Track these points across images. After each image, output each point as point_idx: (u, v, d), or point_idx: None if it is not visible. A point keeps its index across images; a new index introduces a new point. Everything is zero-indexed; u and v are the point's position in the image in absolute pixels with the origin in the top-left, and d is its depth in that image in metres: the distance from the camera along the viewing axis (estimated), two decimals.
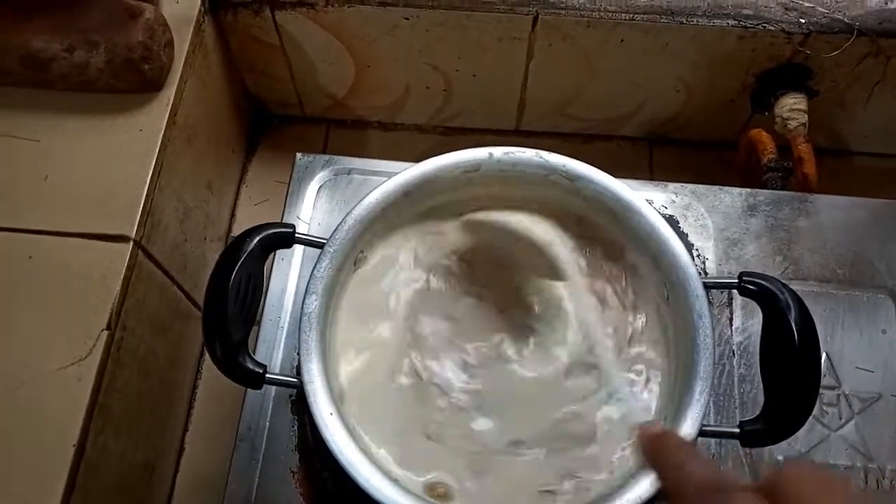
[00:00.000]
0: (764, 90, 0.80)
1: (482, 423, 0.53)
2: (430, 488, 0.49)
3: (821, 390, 0.62)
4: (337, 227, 0.51)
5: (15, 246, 0.62)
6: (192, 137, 0.74)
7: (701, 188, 0.70)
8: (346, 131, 0.94)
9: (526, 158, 0.53)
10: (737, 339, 0.63)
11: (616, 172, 0.56)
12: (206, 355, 0.83)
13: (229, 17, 0.78)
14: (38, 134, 0.67)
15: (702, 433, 0.46)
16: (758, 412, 0.49)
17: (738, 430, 0.46)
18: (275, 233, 0.49)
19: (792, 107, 0.78)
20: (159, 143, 0.67)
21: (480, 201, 0.58)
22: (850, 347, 0.64)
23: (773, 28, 0.74)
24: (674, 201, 0.69)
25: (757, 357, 0.57)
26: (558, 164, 0.53)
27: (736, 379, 0.62)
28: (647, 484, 0.44)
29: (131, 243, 0.63)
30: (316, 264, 0.50)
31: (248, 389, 0.61)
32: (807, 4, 0.75)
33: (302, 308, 0.49)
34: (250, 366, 0.47)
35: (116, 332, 0.61)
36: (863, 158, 0.92)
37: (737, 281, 0.49)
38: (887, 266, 0.67)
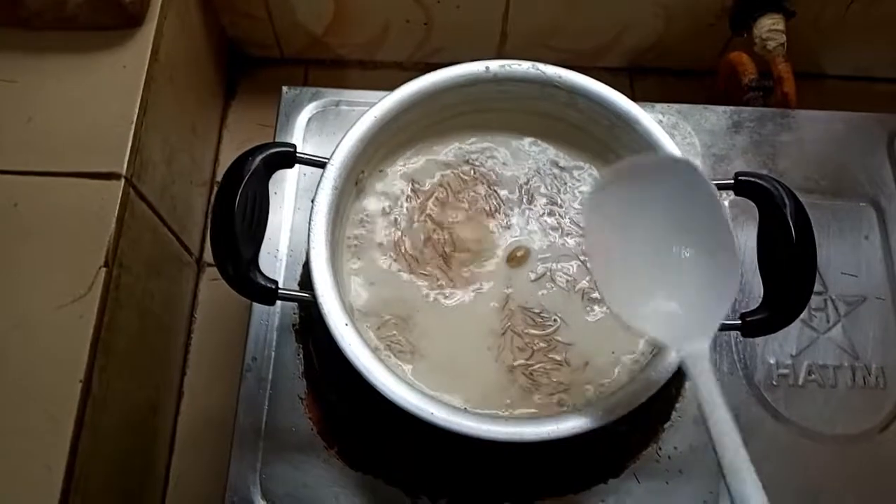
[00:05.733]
0: (742, 12, 0.81)
1: None
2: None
3: None
4: (337, 147, 0.51)
5: (3, 188, 0.61)
6: (173, 76, 0.73)
7: (686, 107, 0.71)
8: (326, 71, 0.93)
9: (522, 71, 0.53)
10: None
11: None
12: (199, 300, 0.84)
13: None
14: (14, 75, 0.65)
15: None
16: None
17: (739, 322, 0.48)
18: (276, 152, 0.49)
19: (770, 27, 0.78)
20: (143, 80, 0.66)
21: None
22: (835, 254, 0.66)
23: None
24: (661, 121, 0.69)
25: (746, 266, 0.59)
26: (554, 76, 0.53)
27: None
28: None
29: (122, 180, 0.62)
30: (318, 184, 0.50)
31: (251, 323, 0.61)
32: None
33: (309, 227, 0.49)
34: (262, 282, 0.47)
35: (114, 270, 0.60)
36: (837, 81, 0.94)
37: (732, 181, 0.51)
38: (868, 176, 0.69)
